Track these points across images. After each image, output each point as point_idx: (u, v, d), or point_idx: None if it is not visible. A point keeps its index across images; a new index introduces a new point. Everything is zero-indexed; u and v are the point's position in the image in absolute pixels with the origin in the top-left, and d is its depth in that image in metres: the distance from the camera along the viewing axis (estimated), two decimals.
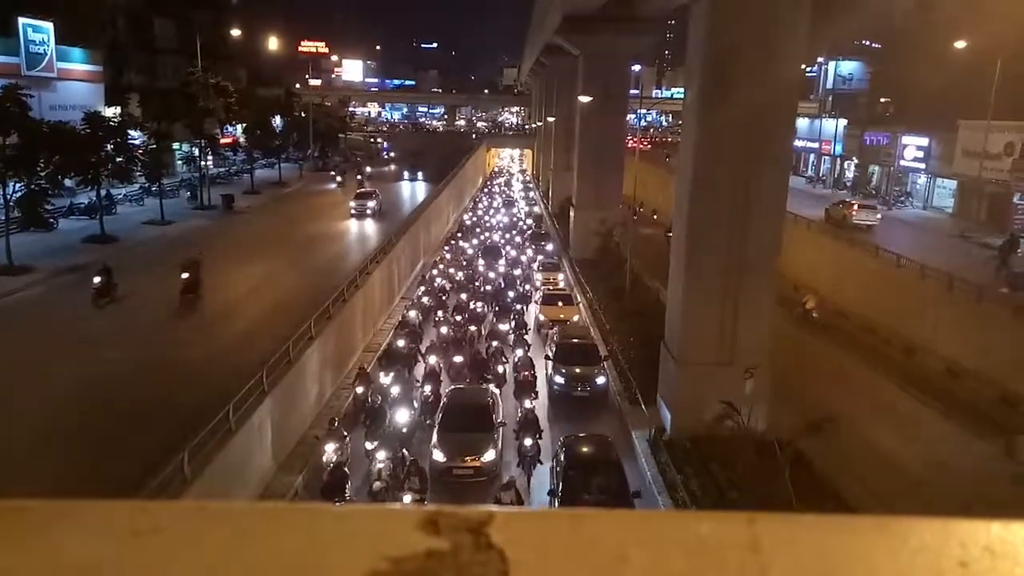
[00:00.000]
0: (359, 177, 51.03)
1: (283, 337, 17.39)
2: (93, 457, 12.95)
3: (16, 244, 25.65)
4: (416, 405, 18.78)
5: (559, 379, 20.72)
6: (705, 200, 17.56)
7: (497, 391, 19.45)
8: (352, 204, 39.83)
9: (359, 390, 18.80)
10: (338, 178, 52.85)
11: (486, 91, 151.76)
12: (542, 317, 26.81)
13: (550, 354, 21.84)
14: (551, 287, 30.74)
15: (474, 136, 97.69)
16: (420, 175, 56.39)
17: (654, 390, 19.46)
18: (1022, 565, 0.68)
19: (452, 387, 19.61)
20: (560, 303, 27.91)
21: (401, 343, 21.89)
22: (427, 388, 19.17)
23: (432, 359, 20.83)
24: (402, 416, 17.51)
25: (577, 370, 20.73)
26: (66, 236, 29.73)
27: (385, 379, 19.79)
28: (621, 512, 0.76)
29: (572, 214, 40.47)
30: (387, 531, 0.70)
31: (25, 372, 16.46)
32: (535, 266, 35.50)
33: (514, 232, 45.49)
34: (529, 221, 50.22)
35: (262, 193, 47.13)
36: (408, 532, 0.69)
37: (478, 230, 45.54)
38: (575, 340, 22.53)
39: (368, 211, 39.12)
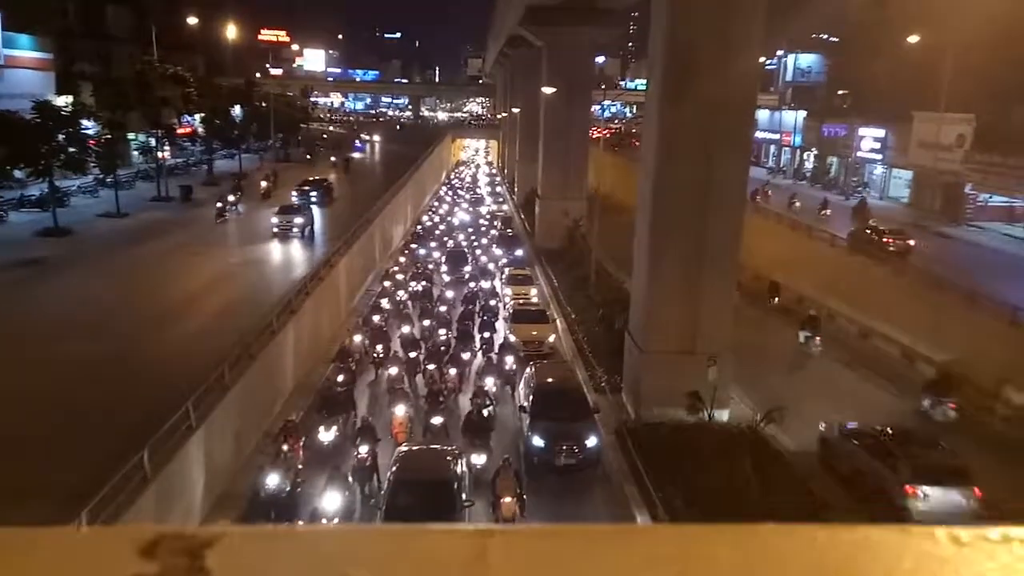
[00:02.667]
0: (232, 197, 35.65)
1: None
2: None
3: None
4: (351, 476, 14.32)
5: (537, 440, 15.91)
6: (667, 190, 17.74)
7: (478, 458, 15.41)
8: (274, 220, 30.65)
9: (282, 450, 14.52)
10: (231, 199, 35.39)
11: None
12: (512, 337, 22.78)
13: (525, 405, 17.22)
14: (522, 301, 26.96)
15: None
16: (314, 196, 37.70)
17: (619, 377, 19.66)
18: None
19: (402, 450, 14.63)
20: (533, 319, 24.51)
21: (341, 378, 18.10)
22: (363, 449, 14.71)
23: (401, 410, 16.69)
24: (331, 501, 12.95)
25: (561, 428, 15.92)
26: (17, 229, 28.81)
27: (325, 434, 15.91)
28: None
29: (538, 204, 40.51)
30: (104, 555, 0.65)
31: None
32: (503, 277, 31.35)
33: (480, 234, 42.12)
34: (496, 222, 45.55)
35: (220, 185, 46.20)
36: (126, 556, 0.64)
37: (438, 232, 41.84)
38: (557, 385, 17.86)
39: (294, 229, 30.50)
